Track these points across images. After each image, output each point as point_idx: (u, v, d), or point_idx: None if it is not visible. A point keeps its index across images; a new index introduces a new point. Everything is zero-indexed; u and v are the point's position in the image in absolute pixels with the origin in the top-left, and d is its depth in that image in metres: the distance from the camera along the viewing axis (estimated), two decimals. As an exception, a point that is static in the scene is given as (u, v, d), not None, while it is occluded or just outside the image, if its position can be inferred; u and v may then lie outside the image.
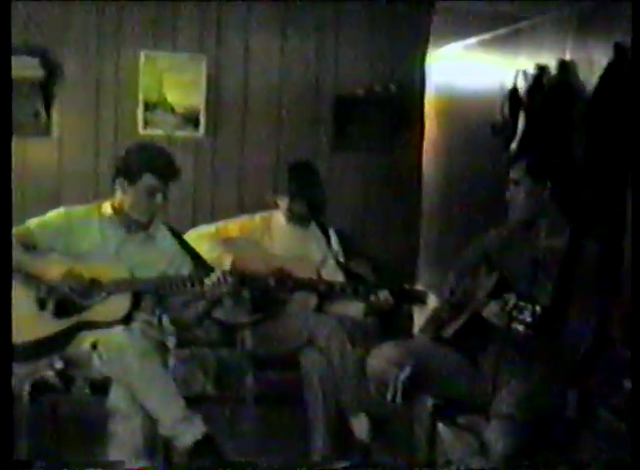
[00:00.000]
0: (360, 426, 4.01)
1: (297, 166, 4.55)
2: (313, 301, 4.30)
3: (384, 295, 4.14)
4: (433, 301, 4.06)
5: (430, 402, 3.61)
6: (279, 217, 4.51)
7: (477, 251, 3.74)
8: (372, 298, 4.17)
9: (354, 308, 4.34)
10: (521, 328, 3.19)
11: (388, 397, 3.44)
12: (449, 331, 3.60)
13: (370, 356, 3.60)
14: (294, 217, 4.44)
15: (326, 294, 4.29)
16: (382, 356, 3.55)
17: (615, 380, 3.52)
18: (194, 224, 4.60)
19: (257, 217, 4.52)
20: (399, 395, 3.43)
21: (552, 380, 3.35)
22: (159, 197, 3.73)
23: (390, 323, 4.51)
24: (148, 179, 3.71)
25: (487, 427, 3.27)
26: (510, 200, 3.59)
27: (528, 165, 3.56)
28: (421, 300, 4.22)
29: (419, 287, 4.48)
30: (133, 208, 3.76)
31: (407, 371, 3.43)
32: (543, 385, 3.32)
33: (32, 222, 3.75)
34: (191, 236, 4.27)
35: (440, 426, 3.63)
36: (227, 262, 4.18)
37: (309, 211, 4.41)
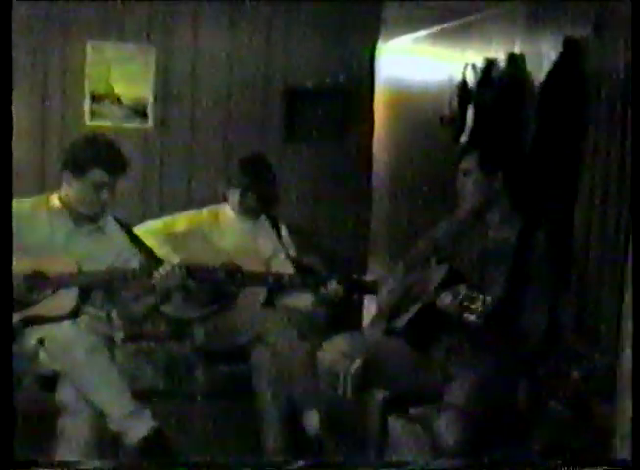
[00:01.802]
0: (311, 420, 4.00)
1: (250, 160, 4.53)
2: (262, 294, 4.28)
3: (333, 285, 4.13)
4: (383, 292, 4.05)
5: (380, 395, 3.62)
6: (227, 211, 4.48)
7: (427, 241, 3.75)
8: (321, 289, 4.16)
9: (304, 300, 4.33)
10: (472, 318, 3.19)
11: (339, 390, 3.44)
12: (400, 323, 3.60)
13: (321, 350, 3.60)
14: (243, 211, 4.42)
15: (275, 287, 4.27)
16: (332, 349, 3.55)
17: (564, 371, 3.56)
18: (143, 216, 4.57)
19: (205, 211, 4.49)
20: (350, 388, 3.42)
21: (503, 371, 3.37)
22: (105, 192, 3.68)
23: (340, 315, 4.52)
24: (95, 174, 3.66)
25: (438, 419, 3.27)
26: (460, 190, 3.59)
27: (480, 156, 3.57)
28: (370, 289, 4.21)
29: (369, 277, 4.47)
30: (79, 201, 3.72)
31: (358, 364, 3.43)
32: (494, 376, 3.34)
33: (-23, 215, 3.68)
34: (139, 232, 4.22)
35: (391, 419, 3.64)
36: (174, 261, 4.14)
37: (261, 204, 4.39)
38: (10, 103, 2.72)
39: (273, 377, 4.02)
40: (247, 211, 4.42)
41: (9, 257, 2.72)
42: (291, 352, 4.04)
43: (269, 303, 4.32)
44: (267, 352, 4.05)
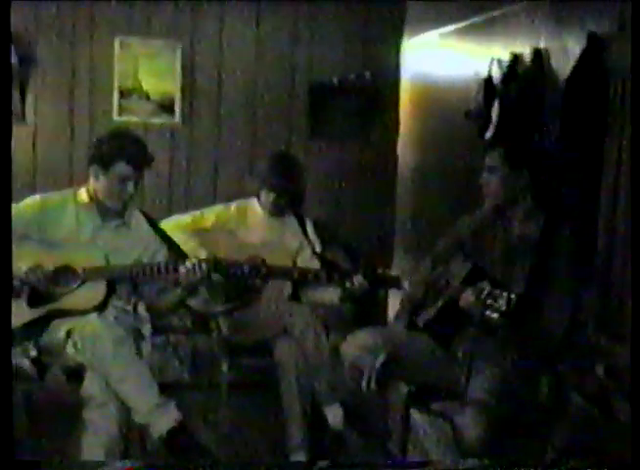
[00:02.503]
0: (334, 414, 4.02)
1: (279, 159, 4.53)
2: (288, 288, 4.31)
3: (358, 280, 4.15)
4: (407, 287, 4.06)
5: (404, 389, 3.63)
6: (255, 206, 4.50)
7: (451, 238, 3.75)
8: (347, 283, 4.17)
9: (329, 295, 4.34)
10: (495, 316, 3.20)
11: (363, 384, 3.46)
12: (424, 318, 3.61)
13: (345, 344, 3.62)
14: (273, 209, 4.43)
15: (301, 281, 4.29)
16: (356, 344, 3.57)
17: (587, 366, 3.56)
18: (169, 211, 4.60)
19: (233, 207, 4.51)
20: (374, 382, 3.44)
21: (525, 367, 3.37)
22: (130, 185, 3.71)
23: (366, 309, 4.53)
24: (120, 167, 3.69)
25: (461, 413, 3.28)
26: (485, 186, 3.59)
27: (506, 152, 3.55)
28: (395, 284, 4.22)
29: (393, 272, 4.48)
30: (106, 195, 3.75)
31: (382, 358, 3.45)
32: (517, 372, 3.35)
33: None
34: (166, 226, 4.26)
35: (414, 412, 3.65)
36: (201, 257, 4.17)
37: (290, 204, 4.41)
38: (10, 105, 2.75)
39: (297, 371, 4.04)
40: (276, 210, 4.43)
41: (9, 256, 2.76)
42: (315, 346, 4.06)
43: (295, 297, 4.34)
44: (292, 347, 4.07)
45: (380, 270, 4.22)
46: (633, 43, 3.00)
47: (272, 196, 4.36)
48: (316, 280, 4.24)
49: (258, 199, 4.45)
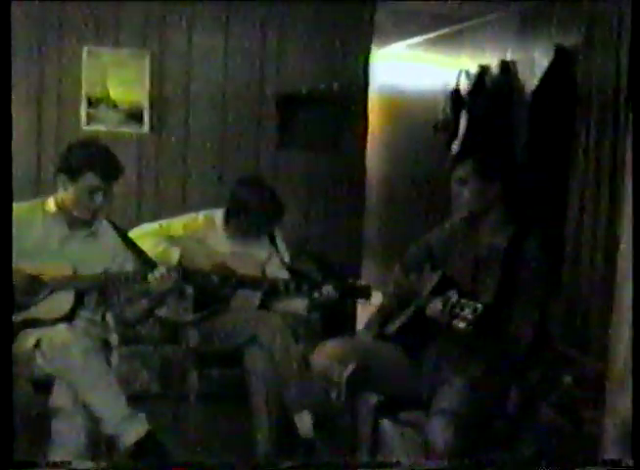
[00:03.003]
0: (303, 423, 4.02)
1: (247, 182, 4.51)
2: (257, 298, 4.30)
3: (327, 290, 4.15)
4: (376, 297, 4.08)
5: (373, 399, 3.64)
6: (222, 216, 4.49)
7: (421, 248, 3.77)
8: (315, 294, 4.18)
9: (297, 305, 4.35)
10: (462, 325, 3.21)
11: (333, 394, 3.46)
12: (392, 328, 3.62)
13: (314, 354, 3.62)
14: (244, 231, 4.43)
15: (269, 291, 4.29)
16: (326, 354, 3.57)
17: (554, 376, 3.59)
18: (138, 221, 4.58)
19: (201, 216, 4.50)
20: (343, 392, 3.45)
21: (493, 376, 3.39)
22: (99, 196, 3.68)
23: (334, 319, 4.53)
24: (89, 178, 3.66)
25: (429, 423, 3.30)
26: (455, 197, 3.59)
27: (478, 164, 3.55)
28: (364, 294, 4.23)
29: (362, 282, 4.49)
30: (74, 205, 3.72)
31: (351, 368, 3.45)
32: (484, 381, 3.37)
33: (-27, 219, 3.69)
34: (135, 234, 4.24)
35: (384, 422, 3.66)
36: (175, 256, 4.17)
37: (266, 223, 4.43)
38: (10, 105, 2.74)
39: (266, 380, 4.04)
40: (246, 232, 4.43)
41: (9, 256, 2.74)
42: (284, 354, 4.05)
43: (263, 306, 4.34)
44: (260, 355, 4.07)
45: (350, 280, 4.23)
46: (632, 43, 3.02)
47: (246, 221, 4.36)
48: (285, 290, 4.24)
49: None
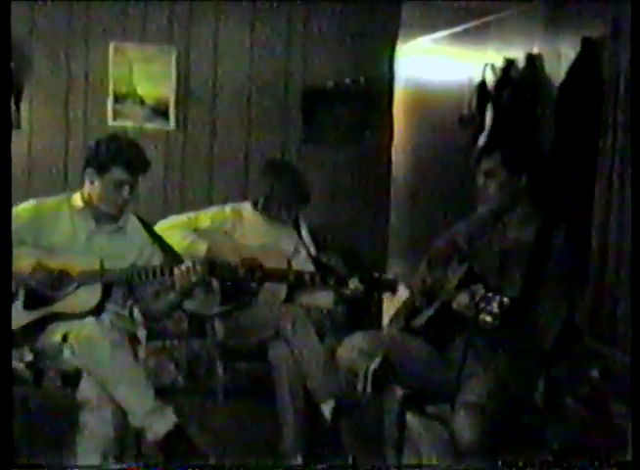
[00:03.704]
0: (330, 409, 4.00)
1: (276, 166, 4.56)
2: (283, 291, 4.31)
3: (353, 283, 4.16)
4: (402, 291, 4.08)
5: (399, 392, 3.63)
6: (250, 209, 4.51)
7: (447, 242, 3.76)
8: (342, 287, 4.18)
9: (324, 298, 4.35)
10: (488, 319, 3.20)
11: (359, 387, 3.46)
12: (419, 321, 3.62)
13: (340, 347, 3.62)
14: (274, 215, 4.45)
15: (296, 284, 4.30)
16: (352, 347, 3.56)
17: (581, 369, 3.57)
18: (164, 216, 4.60)
19: (228, 208, 4.52)
20: (369, 385, 3.45)
21: (520, 370, 3.38)
22: (126, 190, 3.70)
23: (360, 313, 4.54)
24: (116, 172, 3.69)
25: (455, 416, 3.29)
26: (482, 191, 3.57)
27: (505, 156, 3.54)
28: (390, 288, 4.23)
29: (389, 276, 4.49)
30: (101, 199, 3.75)
31: (377, 362, 3.45)
32: (511, 374, 3.36)
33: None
34: (162, 226, 4.27)
35: (410, 416, 3.66)
36: (202, 249, 4.19)
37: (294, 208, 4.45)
38: (9, 104, 2.76)
39: (290, 373, 4.04)
40: (275, 215, 4.45)
41: (9, 257, 2.76)
42: (306, 348, 4.05)
43: (289, 300, 4.35)
44: (284, 349, 4.07)
45: (376, 274, 4.23)
46: (632, 44, 3.01)
47: (272, 205, 4.38)
48: (311, 283, 4.25)
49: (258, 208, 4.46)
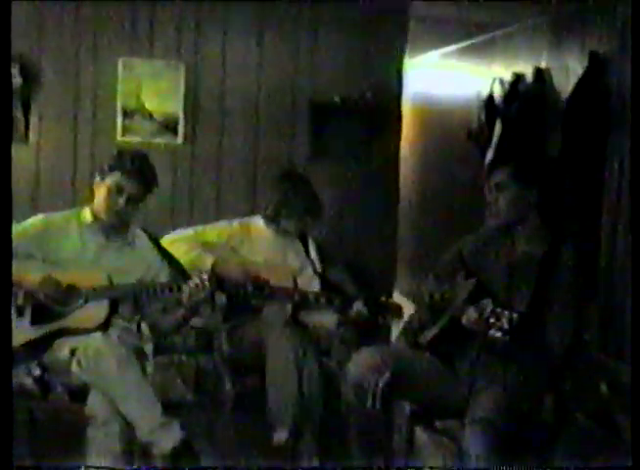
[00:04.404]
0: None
1: (291, 178, 4.58)
2: (287, 310, 4.29)
3: (358, 307, 4.14)
4: (409, 308, 4.06)
5: (408, 408, 3.63)
6: (258, 224, 4.51)
7: (454, 256, 3.75)
8: (346, 310, 4.17)
9: (328, 319, 4.34)
10: (498, 335, 3.20)
11: (368, 403, 3.45)
12: (427, 336, 3.61)
13: (349, 363, 3.62)
14: (294, 229, 4.45)
15: (301, 303, 4.28)
16: (361, 363, 3.56)
17: (590, 384, 3.56)
18: (172, 231, 4.60)
19: (236, 223, 4.52)
20: (379, 401, 3.44)
21: (529, 385, 3.37)
22: (122, 198, 3.71)
23: (366, 333, 4.51)
24: (115, 176, 3.71)
25: (465, 432, 3.28)
26: (491, 204, 3.57)
27: (516, 169, 3.54)
28: (397, 313, 4.20)
29: (395, 299, 4.47)
30: (100, 205, 3.76)
31: (386, 377, 3.44)
32: (520, 389, 3.35)
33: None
34: (169, 239, 4.27)
35: (419, 431, 3.65)
36: (208, 263, 4.18)
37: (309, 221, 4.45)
38: (10, 108, 2.76)
39: (282, 393, 4.00)
40: (285, 226, 4.44)
41: (9, 259, 2.76)
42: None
43: (294, 318, 4.32)
44: (280, 369, 4.03)
45: (382, 298, 4.20)
46: (633, 47, 3.01)
47: (294, 219, 4.38)
48: (316, 303, 4.23)
49: (276, 223, 4.45)
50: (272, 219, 4.45)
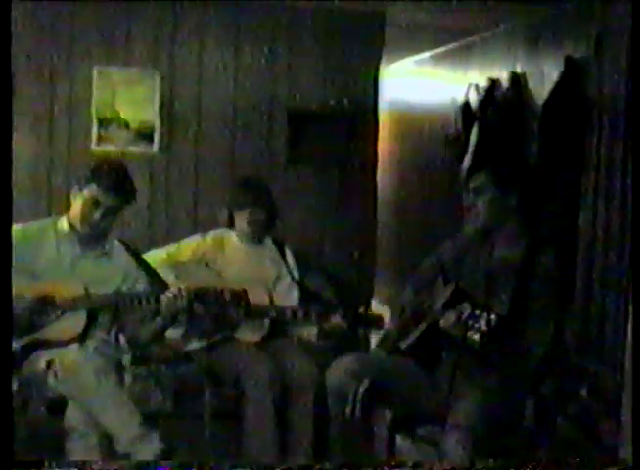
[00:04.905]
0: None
1: (250, 181, 4.56)
2: (264, 327, 4.24)
3: (335, 320, 4.12)
4: (388, 315, 4.05)
5: (388, 415, 3.61)
6: (232, 236, 4.47)
7: (432, 262, 3.75)
8: (324, 323, 4.15)
9: (309, 331, 4.31)
10: (476, 337, 3.20)
11: (348, 411, 3.44)
12: (406, 342, 3.60)
13: (329, 369, 3.60)
14: (252, 232, 4.40)
15: (278, 319, 4.24)
16: (340, 369, 3.55)
17: (570, 388, 3.56)
18: (149, 240, 4.58)
19: (210, 237, 4.47)
20: (359, 408, 3.43)
21: (509, 389, 3.37)
22: (98, 212, 3.68)
23: (346, 341, 4.49)
24: (92, 189, 3.68)
25: (445, 437, 3.27)
26: (469, 209, 3.56)
27: (494, 174, 3.54)
28: (377, 324, 4.17)
29: (374, 307, 4.45)
30: (76, 216, 3.73)
31: (366, 384, 3.43)
32: (500, 394, 3.34)
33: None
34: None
35: (399, 438, 3.64)
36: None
37: (266, 222, 4.39)
38: (10, 109, 2.74)
39: (260, 409, 4.00)
40: (254, 232, 4.41)
41: (9, 264, 2.74)
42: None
43: (274, 331, 4.29)
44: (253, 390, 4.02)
45: (361, 310, 4.17)
46: (633, 49, 3.01)
47: (247, 213, 4.33)
48: (294, 318, 4.20)
49: (233, 227, 4.43)
50: (228, 225, 4.42)
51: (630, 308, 2.68)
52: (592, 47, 3.86)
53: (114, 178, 3.71)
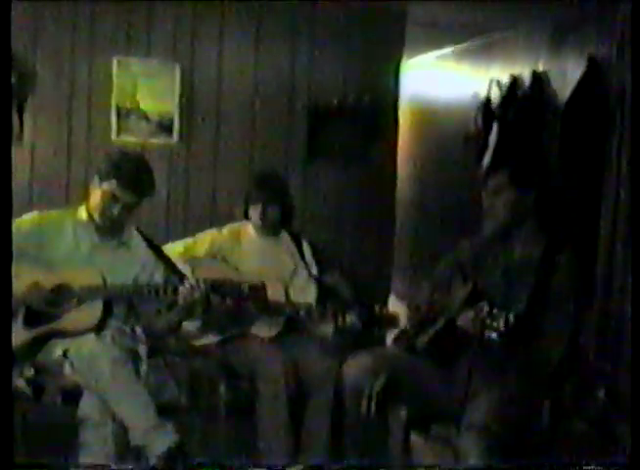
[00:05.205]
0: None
1: (266, 176, 4.56)
2: (280, 325, 4.23)
3: (351, 319, 4.11)
4: (405, 313, 4.03)
5: (403, 413, 3.60)
6: (248, 229, 4.46)
7: (450, 261, 3.73)
8: (339, 321, 4.14)
9: (325, 329, 4.30)
10: (494, 336, 3.18)
11: (363, 407, 3.43)
12: (423, 341, 3.59)
13: (345, 366, 3.60)
14: (266, 227, 4.40)
15: (293, 317, 4.24)
16: (357, 366, 3.55)
17: (588, 390, 3.54)
18: (167, 231, 4.57)
19: (226, 231, 4.46)
20: (374, 406, 3.42)
21: (526, 390, 3.35)
22: (117, 207, 3.68)
23: (361, 340, 4.48)
24: (112, 185, 3.68)
25: (460, 437, 3.26)
26: (488, 208, 3.55)
27: (513, 173, 3.52)
28: (392, 323, 4.17)
29: (391, 304, 4.43)
30: (95, 209, 3.74)
31: (381, 380, 3.43)
32: (517, 395, 3.33)
33: (3, 227, 3.70)
34: None
35: (414, 436, 3.63)
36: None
37: (281, 217, 4.39)
38: (10, 105, 2.74)
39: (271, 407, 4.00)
40: (268, 227, 4.40)
41: (9, 259, 2.74)
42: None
43: (289, 328, 4.28)
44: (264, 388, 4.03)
45: (377, 309, 4.16)
46: (633, 52, 2.99)
47: (260, 208, 4.33)
48: (309, 316, 4.19)
49: (249, 219, 4.42)
50: (244, 217, 4.42)
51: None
52: (615, 47, 3.83)
53: (135, 175, 3.71)
